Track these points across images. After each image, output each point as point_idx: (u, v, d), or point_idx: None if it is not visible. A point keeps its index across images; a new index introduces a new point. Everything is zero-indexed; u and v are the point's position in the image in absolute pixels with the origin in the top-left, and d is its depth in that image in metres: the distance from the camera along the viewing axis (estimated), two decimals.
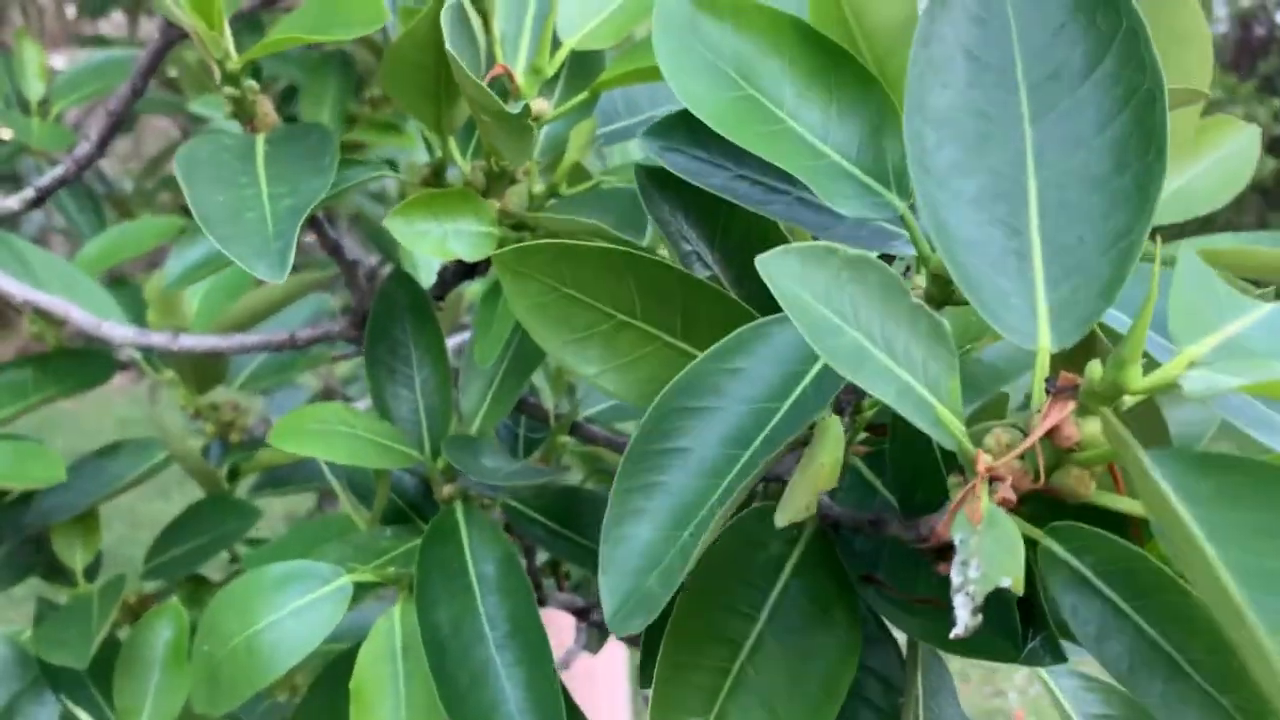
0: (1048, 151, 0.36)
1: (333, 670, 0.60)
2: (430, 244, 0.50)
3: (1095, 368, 0.32)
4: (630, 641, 0.83)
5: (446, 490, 0.63)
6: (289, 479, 0.85)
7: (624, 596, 0.37)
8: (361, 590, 0.60)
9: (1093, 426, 0.31)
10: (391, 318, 0.64)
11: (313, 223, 0.62)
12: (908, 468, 0.42)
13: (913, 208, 0.40)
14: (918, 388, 0.32)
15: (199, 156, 0.50)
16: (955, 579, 0.29)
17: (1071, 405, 0.32)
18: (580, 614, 0.75)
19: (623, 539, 0.38)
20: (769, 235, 0.47)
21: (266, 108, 0.57)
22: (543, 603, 0.69)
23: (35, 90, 0.90)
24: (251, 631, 0.56)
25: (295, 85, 1.18)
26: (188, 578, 0.79)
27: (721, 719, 0.39)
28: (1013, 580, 0.29)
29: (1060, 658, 0.38)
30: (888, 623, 0.44)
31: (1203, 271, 0.34)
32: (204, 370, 0.82)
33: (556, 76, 0.59)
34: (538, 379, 0.67)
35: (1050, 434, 0.32)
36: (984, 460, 0.31)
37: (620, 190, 0.57)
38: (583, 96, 0.56)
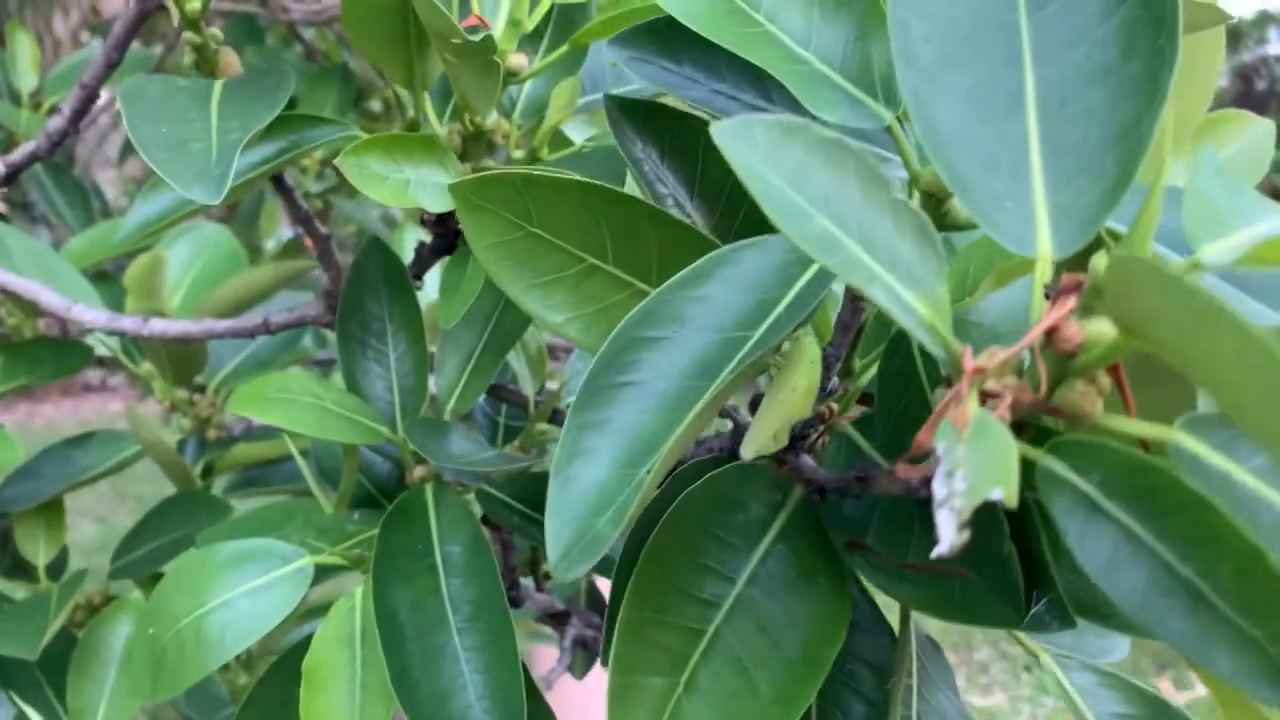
0: (1046, 45, 0.32)
1: (291, 657, 0.55)
2: (389, 190, 0.46)
3: (1100, 260, 0.27)
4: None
5: (418, 473, 0.59)
6: (265, 479, 0.81)
7: (571, 539, 0.33)
8: (323, 574, 0.56)
9: (1098, 326, 0.27)
10: (365, 289, 0.60)
11: (279, 186, 0.59)
12: (896, 414, 0.38)
13: (901, 120, 0.36)
14: (899, 287, 0.28)
15: (148, 92, 0.47)
16: (939, 492, 0.25)
17: (1072, 302, 0.27)
18: (558, 618, 0.71)
19: (573, 478, 0.34)
20: None
21: (230, 58, 0.54)
22: (518, 603, 0.65)
23: (27, 82, 0.89)
24: (201, 612, 0.52)
25: (295, 97, 1.17)
26: (153, 575, 0.75)
27: (692, 683, 0.34)
28: (1004, 491, 0.24)
29: (1068, 621, 0.33)
30: (878, 595, 0.39)
31: (1222, 171, 0.30)
32: (181, 361, 0.79)
33: (539, 33, 0.56)
34: (517, 364, 0.64)
35: (1050, 340, 0.28)
36: (971, 359, 0.27)
37: (601, 149, 0.54)
38: (563, 50, 0.53)
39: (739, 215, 0.44)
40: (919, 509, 0.38)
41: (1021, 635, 0.45)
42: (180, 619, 0.53)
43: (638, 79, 0.56)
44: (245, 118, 0.46)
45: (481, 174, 0.39)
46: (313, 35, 1.22)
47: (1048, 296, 0.29)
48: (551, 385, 0.65)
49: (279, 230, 1.28)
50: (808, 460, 0.42)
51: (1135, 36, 0.31)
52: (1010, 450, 0.25)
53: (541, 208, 0.40)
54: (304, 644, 0.57)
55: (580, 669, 0.82)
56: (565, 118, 0.54)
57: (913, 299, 0.28)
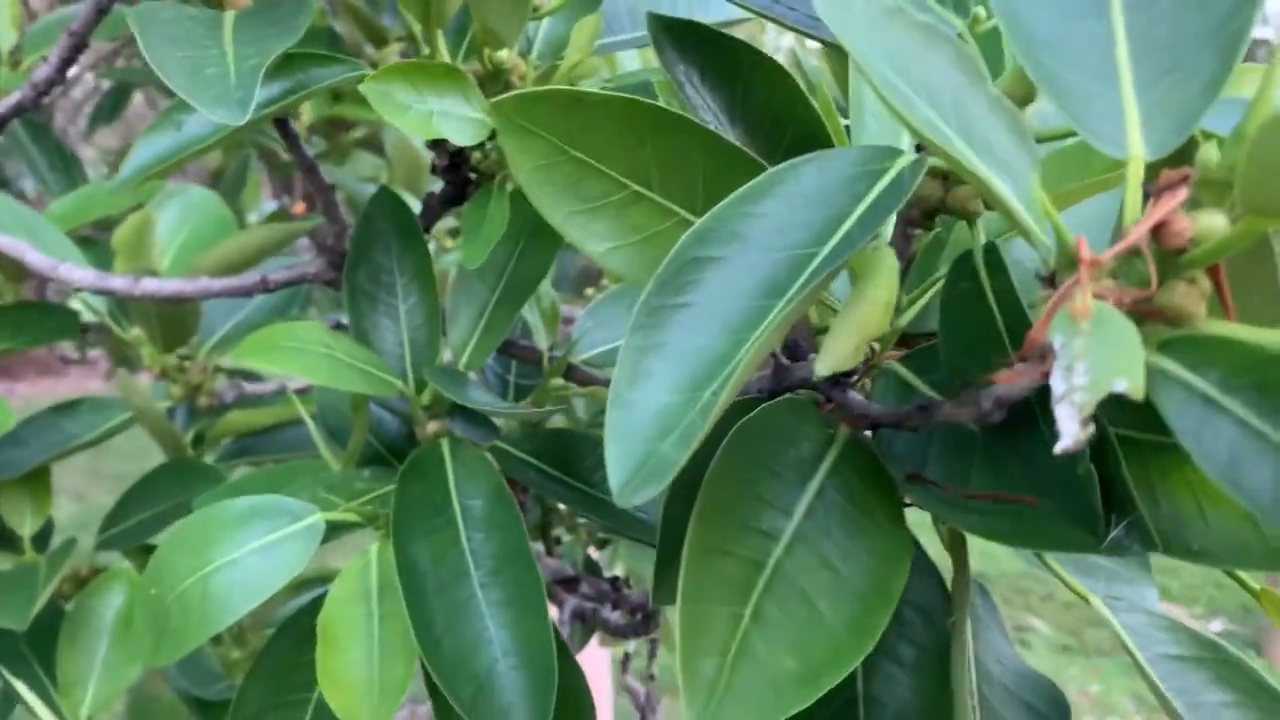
0: None
1: (302, 618, 0.53)
2: (413, 120, 0.44)
3: (1210, 150, 0.26)
4: (620, 634, 0.76)
5: (431, 428, 0.57)
6: (260, 448, 0.79)
7: (635, 465, 0.31)
8: (334, 532, 0.54)
9: (1209, 219, 0.26)
10: (374, 240, 0.58)
11: (284, 130, 0.57)
12: (962, 341, 0.36)
13: (971, 29, 0.35)
14: (996, 179, 0.27)
15: (160, 16, 0.44)
16: (1058, 387, 0.24)
17: (1181, 196, 0.26)
18: (568, 584, 0.69)
19: (634, 404, 0.32)
20: (796, 101, 0.42)
21: None
22: None
23: (6, 39, 0.86)
24: (207, 570, 0.50)
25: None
26: (143, 546, 0.73)
27: (759, 614, 0.33)
28: (1130, 382, 0.23)
29: (1151, 544, 0.32)
30: (940, 525, 0.38)
31: None
32: (171, 325, 0.76)
33: None
34: (530, 316, 0.62)
35: (1158, 235, 0.26)
36: (1087, 247, 0.26)
37: (628, 85, 0.52)
38: None
39: (783, 142, 0.43)
40: (981, 439, 0.37)
41: (1070, 578, 0.44)
42: (185, 578, 0.50)
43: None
44: (263, 44, 0.44)
45: (525, 91, 0.37)
46: None
47: (1148, 197, 0.28)
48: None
49: (261, 204, 1.25)
50: (856, 397, 0.40)
51: None
52: (1134, 340, 0.24)
53: (585, 130, 0.38)
54: (313, 605, 0.55)
55: (578, 642, 0.80)
56: (586, 56, 0.52)
57: (1013, 191, 0.27)
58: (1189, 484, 0.34)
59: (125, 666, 0.64)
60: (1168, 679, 0.42)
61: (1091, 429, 0.23)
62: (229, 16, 0.47)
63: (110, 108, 1.37)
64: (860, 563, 0.35)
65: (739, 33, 0.44)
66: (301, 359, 0.52)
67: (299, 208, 1.03)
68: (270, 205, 1.23)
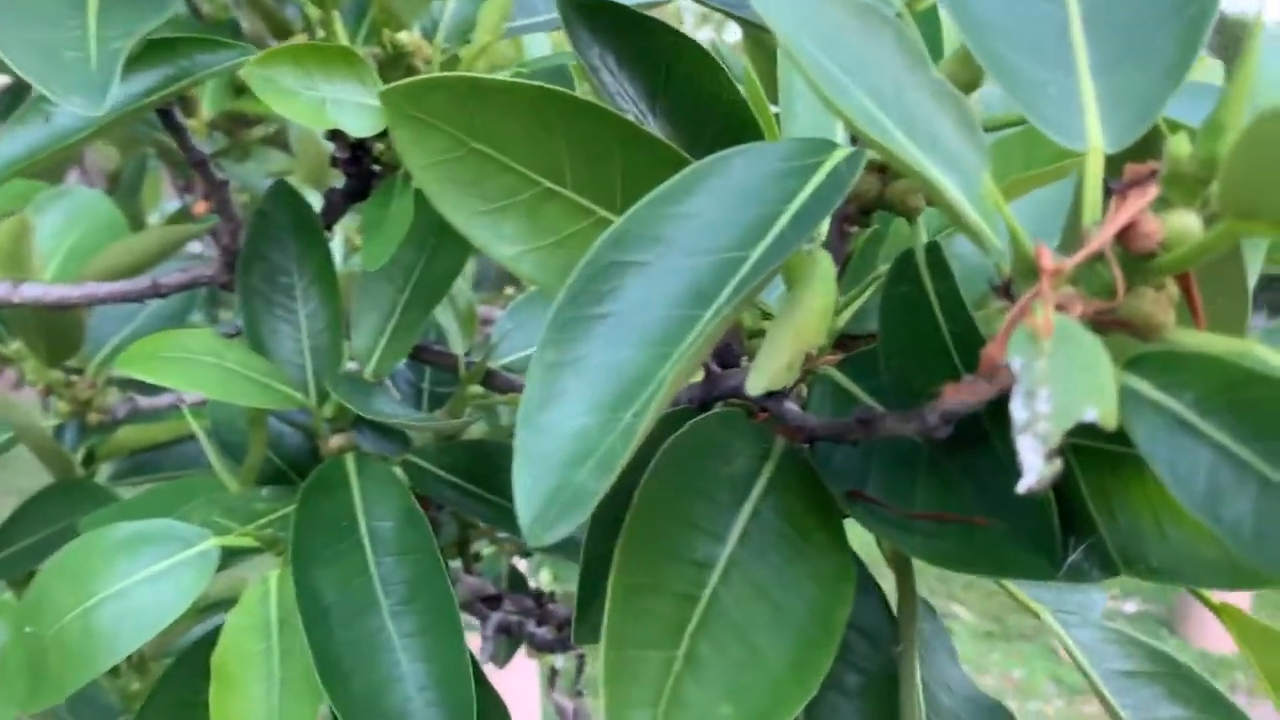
0: None
1: (197, 652, 0.49)
2: (302, 107, 0.40)
3: (1181, 143, 0.24)
4: (545, 648, 0.73)
5: (335, 443, 0.53)
6: (155, 465, 0.73)
7: (547, 496, 0.28)
8: (230, 558, 0.49)
9: (1181, 220, 0.23)
10: (270, 238, 0.54)
11: (168, 122, 0.52)
12: (903, 348, 0.33)
13: (910, 7, 0.32)
14: (947, 176, 0.24)
15: None
16: (1019, 415, 0.21)
17: (1151, 195, 0.23)
18: (489, 602, 0.65)
19: (545, 427, 0.29)
20: (722, 88, 0.39)
21: None
22: None
23: None
24: (90, 604, 0.45)
25: None
26: (29, 574, 0.67)
27: (692, 655, 0.30)
28: (1100, 410, 0.20)
29: (1111, 569, 0.30)
30: (884, 544, 0.35)
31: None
32: (56, 337, 0.71)
33: None
34: (444, 319, 0.58)
35: (1125, 239, 0.24)
36: (1049, 258, 0.23)
37: (541, 70, 0.49)
38: None
39: (709, 132, 0.39)
40: (924, 453, 0.34)
41: (1018, 592, 0.41)
42: (65, 613, 0.46)
43: None
44: (130, 24, 0.39)
45: (418, 79, 0.34)
46: None
47: (1109, 193, 0.25)
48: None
49: (163, 203, 1.18)
50: (792, 407, 0.37)
51: None
52: (1103, 360, 0.21)
53: (488, 120, 0.34)
54: (210, 637, 0.51)
55: (504, 656, 0.77)
56: (496, 39, 0.48)
57: (962, 190, 0.24)
58: (1147, 498, 0.32)
59: (4, 704, 0.59)
60: (1121, 695, 0.40)
61: (1058, 464, 0.20)
62: None
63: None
64: (801, 592, 0.32)
65: None
66: (189, 370, 0.47)
67: (200, 207, 0.98)
68: (173, 205, 1.17)
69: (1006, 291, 0.25)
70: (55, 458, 0.70)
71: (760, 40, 0.48)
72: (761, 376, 0.27)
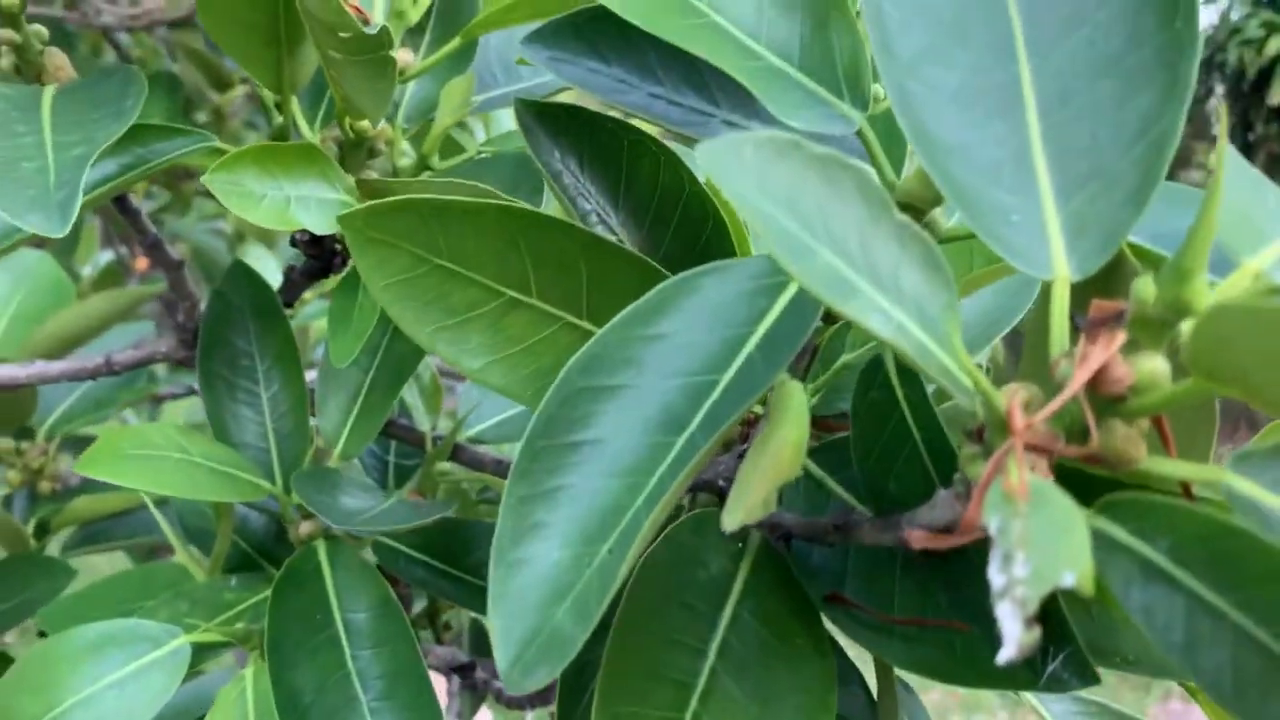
0: (1041, 33, 0.28)
1: None
2: (267, 211, 0.40)
3: (1146, 285, 0.24)
4: (515, 704, 0.73)
5: (305, 529, 0.52)
6: (109, 534, 0.72)
7: (525, 638, 0.27)
8: (201, 654, 0.49)
9: (1150, 365, 0.23)
10: (229, 321, 0.53)
11: (123, 207, 0.51)
12: (876, 454, 0.34)
13: (871, 121, 0.32)
14: (913, 327, 0.24)
15: None
16: (996, 581, 0.21)
17: (1119, 339, 0.24)
18: (462, 671, 0.65)
19: (521, 563, 0.28)
20: (683, 184, 0.39)
21: (59, 61, 0.46)
22: None
23: None
24: (57, 713, 0.44)
25: None
26: None
27: None
28: (1078, 576, 0.20)
29: (1092, 679, 0.30)
30: (861, 649, 0.35)
31: (1251, 177, 0.27)
32: (5, 408, 0.69)
33: (423, 25, 0.50)
34: (410, 396, 0.57)
35: (1094, 383, 0.24)
36: (1020, 414, 0.23)
37: (505, 156, 0.48)
38: (454, 44, 0.47)
39: (669, 228, 0.39)
40: (901, 556, 0.34)
41: None
42: None
43: (540, 74, 0.50)
44: (88, 129, 0.38)
45: (379, 202, 0.33)
46: (128, 42, 1.10)
47: (1075, 327, 0.25)
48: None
49: (96, 254, 1.16)
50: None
51: (1141, 20, 0.27)
52: (1079, 524, 0.21)
53: (452, 238, 0.34)
54: None
55: (468, 712, 0.76)
56: (458, 120, 0.48)
57: (933, 343, 0.24)
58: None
59: None
60: None
61: (1038, 632, 0.20)
62: (49, 93, 0.42)
63: None
64: (785, 705, 0.32)
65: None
66: (154, 469, 0.47)
67: (141, 263, 0.96)
68: (106, 255, 1.14)
69: (980, 437, 0.25)
70: (6, 530, 0.68)
71: None
72: (738, 514, 0.27)
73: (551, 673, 0.26)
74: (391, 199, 0.32)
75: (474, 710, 0.72)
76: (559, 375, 0.30)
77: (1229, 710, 0.22)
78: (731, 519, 0.27)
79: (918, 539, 0.26)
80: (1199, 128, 4.99)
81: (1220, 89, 4.95)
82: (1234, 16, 5.13)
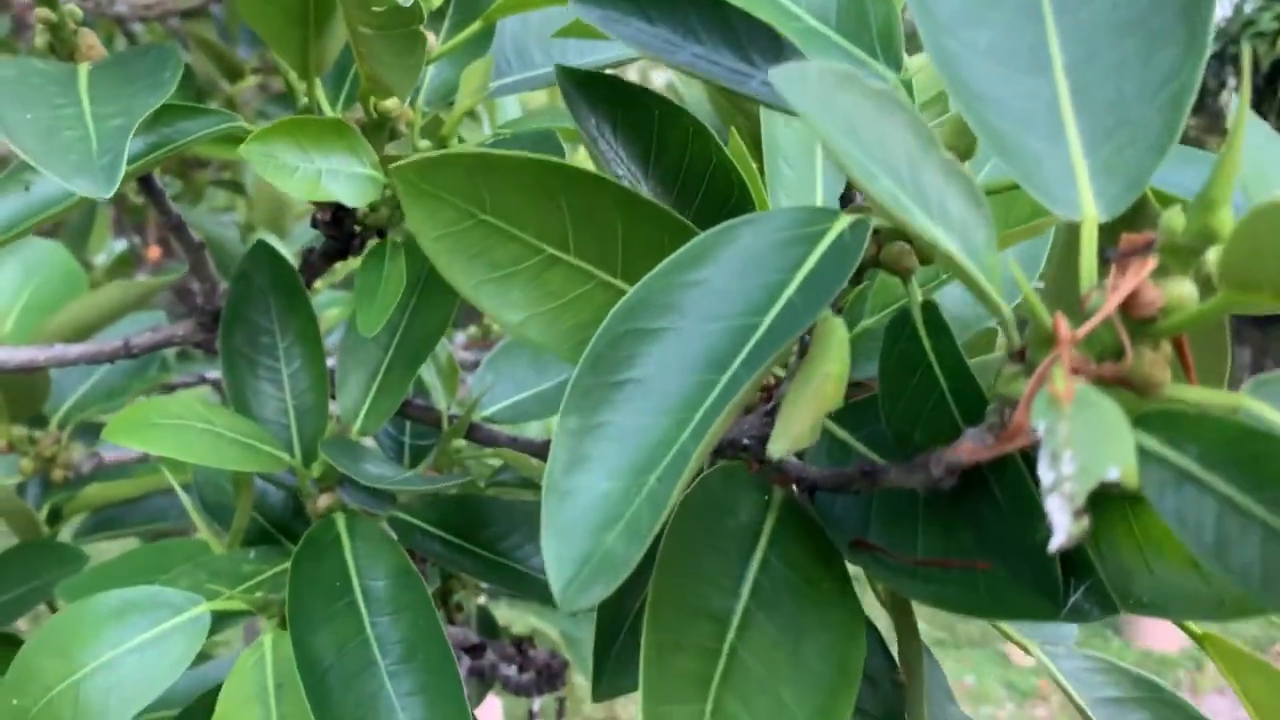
0: None
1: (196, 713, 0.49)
2: (299, 182, 0.41)
3: (1176, 216, 0.25)
4: (522, 690, 0.73)
5: (322, 503, 0.53)
6: (122, 521, 0.72)
7: (578, 561, 0.28)
8: (219, 624, 0.49)
9: (1179, 289, 0.25)
10: (250, 300, 0.54)
11: (148, 187, 0.52)
12: (903, 401, 0.35)
13: (905, 84, 0.34)
14: (963, 254, 0.25)
15: (4, 73, 0.40)
16: (1046, 477, 0.22)
17: (1150, 265, 0.25)
18: (472, 651, 0.65)
19: (572, 491, 0.30)
20: (711, 155, 0.40)
21: (92, 40, 0.47)
22: None
23: None
24: (79, 675, 0.45)
25: None
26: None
27: (720, 709, 0.31)
28: (1123, 469, 0.22)
29: (1111, 608, 0.31)
30: (888, 591, 0.36)
31: (1267, 132, 0.29)
32: (18, 394, 0.70)
33: (443, 10, 0.52)
34: (427, 375, 0.58)
35: (1126, 306, 0.25)
36: (1065, 324, 0.24)
37: (523, 135, 0.50)
38: (475, 28, 0.49)
39: (697, 196, 0.41)
40: (923, 501, 0.36)
41: (1011, 630, 0.43)
42: (53, 685, 0.45)
43: (551, 62, 0.52)
44: (125, 101, 0.39)
45: (428, 155, 0.34)
46: (141, 31, 1.12)
47: (1105, 260, 0.27)
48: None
49: (109, 243, 1.16)
50: (793, 459, 0.39)
51: None
52: (1122, 423, 0.23)
53: (496, 193, 0.35)
54: (200, 704, 0.51)
55: (476, 699, 0.76)
56: (478, 102, 0.50)
57: (974, 262, 0.25)
58: (1134, 536, 0.34)
59: None
60: None
61: (1086, 522, 0.22)
62: (84, 70, 0.43)
63: None
64: (815, 640, 0.34)
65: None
66: (179, 437, 0.47)
67: (154, 251, 0.97)
68: (119, 244, 1.15)
69: (1021, 357, 0.26)
70: (20, 517, 0.69)
71: (740, 104, 0.50)
72: (784, 441, 0.28)
73: (605, 590, 0.28)
74: (440, 153, 0.34)
75: (481, 698, 0.72)
76: (604, 321, 0.32)
77: (1256, 598, 0.23)
78: (777, 446, 0.29)
79: (968, 451, 0.27)
80: (1211, 122, 5.04)
81: (1233, 81, 5.01)
82: (1248, 9, 5.18)
